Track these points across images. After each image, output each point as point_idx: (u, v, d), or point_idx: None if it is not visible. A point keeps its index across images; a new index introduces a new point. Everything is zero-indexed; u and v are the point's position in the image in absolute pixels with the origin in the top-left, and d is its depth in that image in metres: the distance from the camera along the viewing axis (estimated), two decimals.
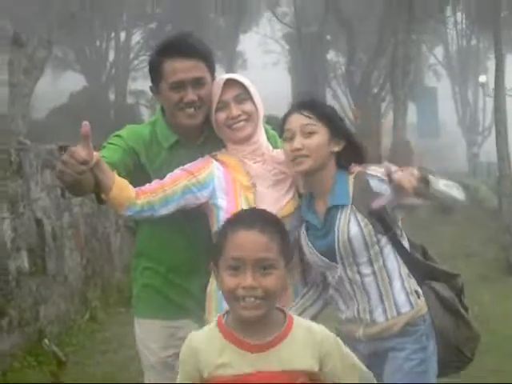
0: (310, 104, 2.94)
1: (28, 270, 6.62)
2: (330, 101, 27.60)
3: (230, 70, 29.53)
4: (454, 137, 39.53)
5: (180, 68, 3.01)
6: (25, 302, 6.48)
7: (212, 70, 3.10)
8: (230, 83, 3.02)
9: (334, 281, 2.93)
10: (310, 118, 2.88)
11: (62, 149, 7.67)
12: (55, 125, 19.71)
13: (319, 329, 2.27)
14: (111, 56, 27.44)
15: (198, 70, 3.03)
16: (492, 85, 15.58)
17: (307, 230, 2.97)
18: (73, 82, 27.71)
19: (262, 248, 2.15)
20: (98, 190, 2.78)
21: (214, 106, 3.03)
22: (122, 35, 28.04)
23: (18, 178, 6.63)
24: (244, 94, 3.02)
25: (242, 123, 3.00)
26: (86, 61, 26.76)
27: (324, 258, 2.91)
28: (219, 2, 24.40)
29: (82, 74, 27.20)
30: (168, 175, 2.96)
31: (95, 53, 26.78)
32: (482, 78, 32.45)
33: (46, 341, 6.26)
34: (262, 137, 3.10)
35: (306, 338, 2.21)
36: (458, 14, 30.16)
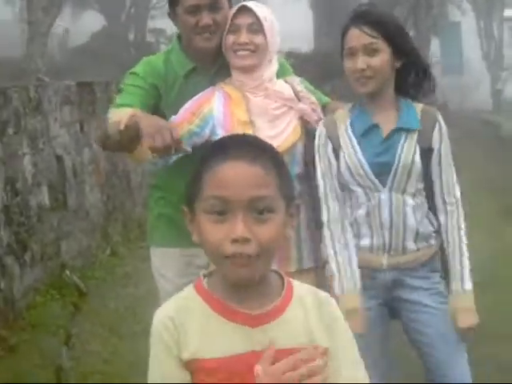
0: (374, 20, 2.81)
1: (49, 206, 6.67)
2: None
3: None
4: (478, 73, 38.99)
5: None
6: (46, 237, 6.55)
7: None
8: (245, 10, 2.98)
9: (370, 204, 2.85)
10: (372, 35, 2.78)
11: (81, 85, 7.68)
12: (75, 64, 19.66)
13: (324, 293, 1.74)
14: None
15: None
16: None
17: (359, 142, 2.86)
18: (92, 21, 27.56)
19: (256, 183, 1.55)
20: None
21: (227, 28, 3.00)
22: None
23: (37, 114, 6.64)
24: (257, 25, 2.96)
25: (247, 52, 2.96)
26: (104, 0, 26.55)
27: (373, 177, 2.83)
28: None
29: (102, 13, 27.02)
30: (177, 115, 2.96)
31: None
32: (508, 12, 31.83)
33: (68, 272, 6.35)
34: (267, 72, 3.04)
35: (311, 305, 1.67)
36: None
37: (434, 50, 23.37)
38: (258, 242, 1.53)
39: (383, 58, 2.80)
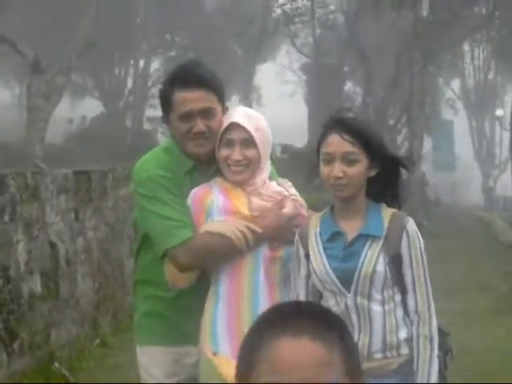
0: (353, 129, 2.79)
1: (40, 293, 6.63)
2: None
3: (246, 99, 29.74)
4: (470, 170, 39.40)
5: (189, 99, 2.98)
6: (36, 326, 6.49)
7: (222, 100, 3.07)
8: (237, 126, 2.98)
9: (337, 307, 2.81)
10: (353, 144, 2.77)
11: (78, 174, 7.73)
12: (72, 149, 19.84)
13: None
14: (129, 83, 27.69)
15: (207, 100, 3.00)
16: (509, 119, 15.57)
17: (324, 248, 2.86)
18: (90, 108, 27.95)
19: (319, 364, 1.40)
20: None
21: (218, 139, 3.00)
22: (141, 63, 28.30)
23: (34, 202, 6.66)
24: (249, 140, 2.97)
25: (240, 168, 2.97)
26: (104, 87, 27.01)
27: (337, 282, 2.80)
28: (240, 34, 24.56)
29: (100, 100, 27.44)
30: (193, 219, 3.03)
31: (114, 80, 27.03)
32: (499, 112, 32.47)
33: (57, 364, 6.25)
34: (260, 177, 3.05)
35: None
36: (475, 49, 30.22)
37: (427, 148, 23.67)
38: None
39: (360, 168, 2.79)
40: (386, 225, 2.81)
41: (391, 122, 24.42)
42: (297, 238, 2.94)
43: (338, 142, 2.79)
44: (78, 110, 30.57)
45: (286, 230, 3.00)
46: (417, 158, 18.59)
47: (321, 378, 1.27)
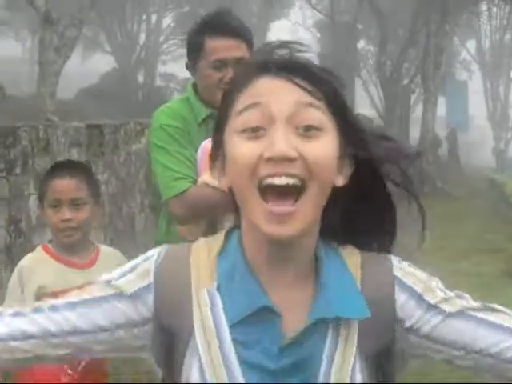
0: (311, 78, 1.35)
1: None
2: (359, 91, 27.53)
3: None
4: (482, 131, 39.19)
5: (223, 47, 2.95)
6: None
7: (252, 50, 3.03)
8: None
9: None
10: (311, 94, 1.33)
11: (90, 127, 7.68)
12: (84, 104, 19.79)
13: (114, 250, 3.00)
14: (142, 38, 27.51)
15: (240, 49, 2.96)
16: None
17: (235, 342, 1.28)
18: (102, 63, 27.81)
19: (74, 189, 2.71)
20: None
21: None
22: (153, 18, 28.09)
23: (46, 155, 6.63)
24: None
25: None
26: (116, 42, 26.84)
27: None
28: None
29: (112, 55, 27.29)
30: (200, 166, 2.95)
31: (126, 35, 26.84)
32: None
33: None
34: None
35: (110, 257, 2.86)
36: (493, 9, 29.84)
37: (440, 107, 23.48)
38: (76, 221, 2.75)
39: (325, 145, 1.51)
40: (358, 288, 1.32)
41: (405, 81, 24.19)
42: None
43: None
44: (90, 65, 30.43)
45: None
46: (431, 119, 18.46)
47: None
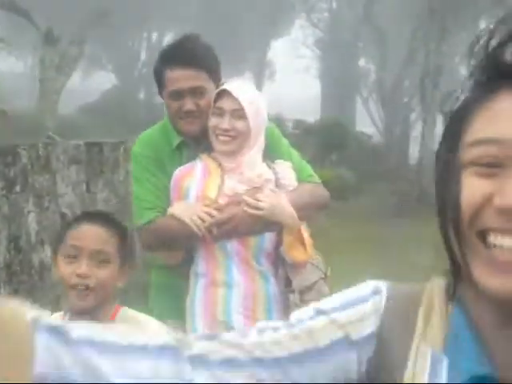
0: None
1: (51, 264, 6.65)
2: (359, 108, 27.60)
3: (260, 74, 29.69)
4: None
5: (178, 77, 2.94)
6: (47, 297, 6.51)
7: (215, 78, 3.00)
8: (228, 94, 2.89)
9: None
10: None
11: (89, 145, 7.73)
12: (84, 122, 19.85)
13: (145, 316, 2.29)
14: (143, 56, 27.64)
15: (198, 79, 2.94)
16: None
17: None
18: (103, 80, 27.90)
19: (99, 239, 2.18)
20: None
21: (211, 109, 2.94)
22: (154, 36, 28.23)
23: (45, 173, 6.67)
24: (240, 110, 2.88)
25: (228, 138, 2.89)
26: (117, 60, 26.96)
27: None
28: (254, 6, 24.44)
29: (113, 72, 27.41)
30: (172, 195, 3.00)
31: (127, 52, 26.97)
32: None
33: None
34: (247, 156, 2.95)
35: None
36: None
37: (440, 126, 23.54)
38: (96, 279, 2.16)
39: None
40: None
41: (405, 99, 24.28)
42: None
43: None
44: (91, 82, 30.54)
45: (241, 223, 2.87)
46: (430, 137, 18.51)
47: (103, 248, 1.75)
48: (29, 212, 6.29)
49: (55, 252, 2.25)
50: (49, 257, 6.62)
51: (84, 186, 7.60)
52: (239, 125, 2.88)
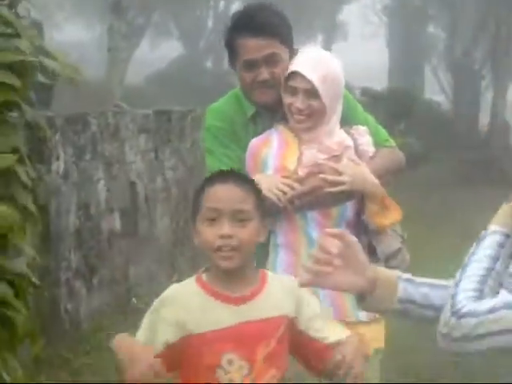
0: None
1: (120, 231, 6.75)
2: (428, 76, 27.14)
3: (329, 39, 29.50)
4: None
5: (252, 46, 2.87)
6: (115, 262, 6.63)
7: (288, 44, 2.93)
8: (301, 75, 2.82)
9: None
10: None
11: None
12: (151, 91, 19.99)
13: (290, 278, 2.29)
14: (209, 24, 27.63)
15: (272, 47, 2.87)
16: None
17: None
18: (170, 49, 28.01)
19: (239, 199, 2.16)
20: None
21: (283, 88, 2.87)
22: (221, 3, 28.19)
23: (114, 141, 6.75)
24: (312, 90, 2.81)
25: (302, 117, 2.84)
26: (184, 29, 27.01)
27: None
28: None
29: (180, 41, 27.48)
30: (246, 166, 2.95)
31: (193, 21, 26.98)
32: None
33: (134, 300, 6.40)
34: (323, 130, 2.90)
35: (280, 289, 2.23)
36: None
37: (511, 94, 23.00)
38: (238, 239, 2.11)
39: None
40: None
41: (476, 67, 23.75)
42: None
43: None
44: (158, 51, 30.69)
45: (323, 195, 2.81)
46: (501, 105, 18.12)
47: (242, 207, 2.12)
48: (98, 180, 6.39)
49: (193, 219, 2.23)
50: (118, 224, 6.72)
51: (152, 154, 7.67)
52: (313, 103, 2.83)
